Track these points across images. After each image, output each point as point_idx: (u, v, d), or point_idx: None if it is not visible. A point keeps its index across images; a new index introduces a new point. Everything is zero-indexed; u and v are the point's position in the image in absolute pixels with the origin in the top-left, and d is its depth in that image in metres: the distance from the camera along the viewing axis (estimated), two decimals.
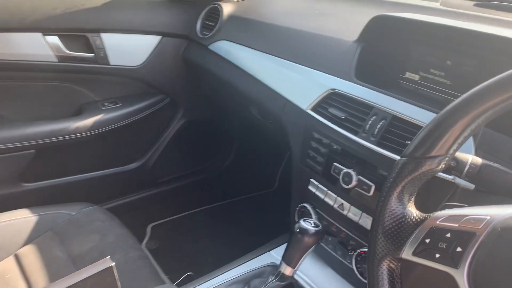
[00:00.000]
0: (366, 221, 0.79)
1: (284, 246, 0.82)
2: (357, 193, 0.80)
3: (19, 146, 1.25)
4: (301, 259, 0.81)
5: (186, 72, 1.51)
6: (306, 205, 0.94)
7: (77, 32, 1.29)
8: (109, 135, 1.41)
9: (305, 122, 0.93)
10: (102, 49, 1.34)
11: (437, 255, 0.46)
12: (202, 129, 1.69)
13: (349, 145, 0.82)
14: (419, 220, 0.49)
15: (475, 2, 0.97)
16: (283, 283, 0.82)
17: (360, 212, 0.80)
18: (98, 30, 1.31)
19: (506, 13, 0.90)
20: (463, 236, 0.45)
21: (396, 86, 0.90)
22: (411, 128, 0.73)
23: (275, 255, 1.00)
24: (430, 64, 0.84)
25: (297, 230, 0.80)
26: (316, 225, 0.80)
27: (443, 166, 0.48)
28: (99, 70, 1.37)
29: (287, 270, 0.81)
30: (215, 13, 1.39)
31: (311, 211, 0.92)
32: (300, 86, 0.99)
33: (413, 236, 0.49)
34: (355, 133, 0.81)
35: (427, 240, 0.47)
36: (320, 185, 0.90)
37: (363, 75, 0.89)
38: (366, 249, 0.81)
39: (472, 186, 0.54)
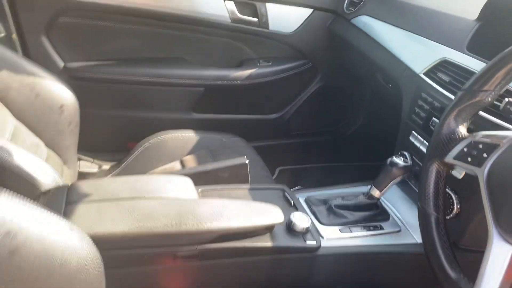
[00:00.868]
0: None
1: None
2: None
3: (193, 83, 1.65)
4: (388, 186, 1.00)
5: (329, 43, 1.74)
6: (404, 152, 1.12)
7: (249, 0, 1.62)
8: (259, 87, 1.73)
9: (417, 84, 1.10)
10: (265, 15, 1.65)
11: (469, 159, 0.64)
12: (335, 94, 1.91)
13: (447, 103, 0.98)
14: (464, 137, 0.67)
15: None
16: (370, 201, 1.03)
17: None
18: (266, 0, 1.63)
19: None
20: (490, 147, 0.62)
21: None
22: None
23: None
24: None
25: (388, 162, 0.99)
26: (405, 162, 0.99)
27: (490, 99, 0.65)
28: (260, 33, 1.68)
29: (375, 193, 1.01)
30: None
31: (408, 157, 1.10)
32: (419, 55, 1.16)
33: (457, 147, 0.67)
34: (454, 94, 0.97)
35: (465, 149, 0.65)
36: (418, 136, 1.07)
37: (474, 49, 1.02)
38: None
39: None
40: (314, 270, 0.92)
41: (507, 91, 0.78)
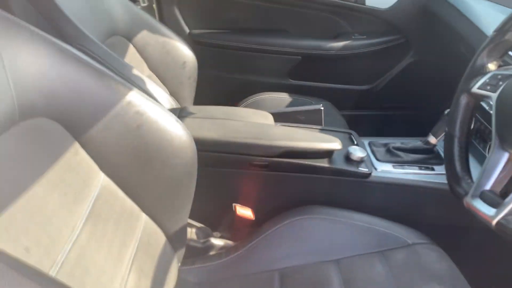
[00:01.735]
0: None
1: None
2: None
3: (291, 51, 1.86)
4: (443, 135, 1.10)
5: (423, 19, 1.81)
6: None
7: None
8: (352, 58, 1.88)
9: None
10: None
11: (488, 87, 0.75)
12: (428, 70, 1.96)
13: None
14: (489, 70, 0.78)
15: None
16: (426, 146, 1.14)
17: None
18: None
19: None
20: (507, 77, 0.73)
21: None
22: None
23: None
24: None
25: (446, 112, 1.10)
26: None
27: None
28: (356, 8, 1.82)
29: (432, 139, 1.12)
30: None
31: None
32: None
33: (482, 79, 0.78)
34: None
35: (487, 80, 0.76)
36: None
37: None
38: None
39: None
40: (365, 195, 1.08)
41: None
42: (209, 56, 1.88)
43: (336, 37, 1.88)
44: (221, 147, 1.04)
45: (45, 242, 0.62)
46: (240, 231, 1.08)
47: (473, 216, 0.96)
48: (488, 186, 0.71)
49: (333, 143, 1.05)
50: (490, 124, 0.95)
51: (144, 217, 0.87)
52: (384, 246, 0.96)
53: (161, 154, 0.85)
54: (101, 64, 0.83)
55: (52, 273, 0.60)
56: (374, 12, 1.84)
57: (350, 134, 1.21)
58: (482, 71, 0.78)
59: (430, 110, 2.08)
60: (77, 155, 0.77)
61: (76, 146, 0.78)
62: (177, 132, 0.86)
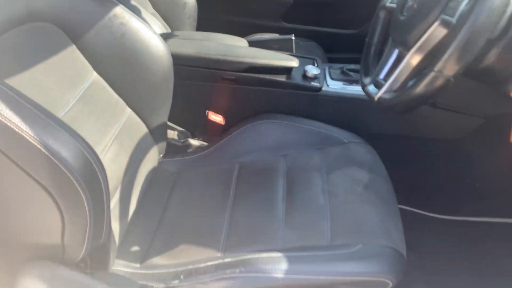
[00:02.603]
0: None
1: None
2: None
3: None
4: None
5: None
6: None
7: None
8: (341, 3, 2.01)
9: None
10: None
11: (395, 1, 0.91)
12: None
13: None
14: None
15: None
16: None
17: None
18: None
19: None
20: None
21: None
22: None
23: None
24: None
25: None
26: None
27: None
28: None
29: None
30: None
31: None
32: None
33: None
34: None
35: None
36: None
37: None
38: None
39: None
40: (316, 106, 1.26)
41: None
42: None
43: None
44: (196, 62, 1.23)
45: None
46: (212, 134, 1.29)
47: (402, 126, 1.15)
48: (381, 76, 0.88)
49: (291, 61, 1.23)
50: None
51: (128, 110, 1.08)
52: (324, 144, 1.15)
53: (141, 60, 1.05)
54: None
55: None
56: None
57: (315, 59, 1.39)
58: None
59: None
60: (74, 53, 0.99)
61: (73, 47, 0.99)
62: (155, 42, 1.06)
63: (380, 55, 0.97)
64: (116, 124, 1.02)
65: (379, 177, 1.03)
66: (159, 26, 1.51)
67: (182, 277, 0.83)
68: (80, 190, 0.66)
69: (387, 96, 0.82)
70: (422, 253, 1.24)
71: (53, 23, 0.96)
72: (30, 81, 0.84)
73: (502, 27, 0.69)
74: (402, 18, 0.82)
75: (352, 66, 1.33)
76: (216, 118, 1.27)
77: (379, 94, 0.83)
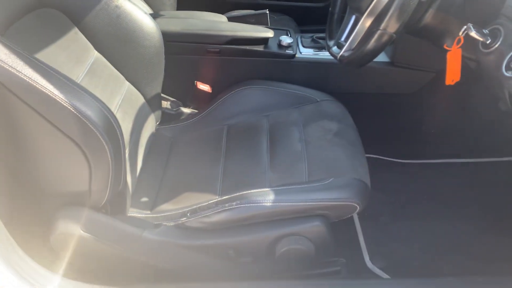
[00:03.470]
0: None
1: None
2: None
3: None
4: None
5: None
6: None
7: None
8: None
9: None
10: None
11: None
12: None
13: None
14: None
15: None
16: None
17: None
18: None
19: None
20: None
21: None
22: None
23: None
24: None
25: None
26: None
27: None
28: None
29: None
30: None
31: None
32: None
33: None
34: None
35: None
36: None
37: None
38: None
39: None
40: (291, 72, 1.42)
41: None
42: None
43: None
44: (183, 38, 1.38)
45: None
46: (202, 102, 1.45)
47: (366, 84, 1.32)
48: (342, 38, 1.04)
49: (267, 32, 1.38)
50: None
51: (127, 84, 1.23)
52: (300, 103, 1.32)
53: (135, 37, 1.19)
54: None
55: None
56: None
57: (288, 30, 1.54)
58: None
59: None
60: (77, 34, 1.12)
61: (76, 29, 1.13)
62: (146, 21, 1.19)
63: (341, 22, 1.14)
64: (118, 95, 1.17)
65: (346, 127, 1.20)
66: (143, 7, 1.64)
67: (188, 214, 1.00)
68: (103, 141, 0.82)
69: (346, 54, 0.99)
70: (387, 192, 1.43)
71: (57, 8, 1.09)
72: (46, 59, 0.98)
73: None
74: None
75: (322, 35, 1.49)
76: (204, 87, 1.43)
77: (340, 53, 1.00)
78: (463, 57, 0.96)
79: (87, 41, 1.15)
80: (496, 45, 0.84)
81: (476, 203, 1.42)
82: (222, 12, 2.00)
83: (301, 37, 1.52)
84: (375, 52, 0.91)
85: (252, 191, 0.99)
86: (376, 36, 0.87)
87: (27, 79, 0.75)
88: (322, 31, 1.55)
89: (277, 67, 1.42)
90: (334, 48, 1.07)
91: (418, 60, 1.34)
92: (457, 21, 0.91)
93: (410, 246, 1.30)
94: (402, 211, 1.40)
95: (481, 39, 0.84)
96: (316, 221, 0.99)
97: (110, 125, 0.84)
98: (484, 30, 0.85)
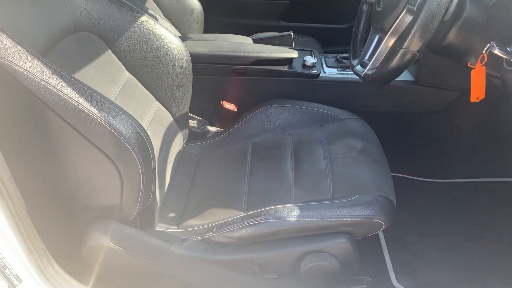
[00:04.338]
0: None
1: None
2: None
3: None
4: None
5: None
6: None
7: None
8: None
9: None
10: None
11: None
12: None
13: None
14: None
15: None
16: None
17: None
18: None
19: None
20: None
21: None
22: None
23: None
24: None
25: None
26: None
27: None
28: None
29: None
30: None
31: None
32: None
33: None
34: None
35: None
36: None
37: None
38: None
39: None
40: (315, 91, 1.44)
41: None
42: (212, 5, 2.23)
43: None
44: (210, 59, 1.42)
45: None
46: (227, 121, 1.48)
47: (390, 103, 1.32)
48: (366, 57, 1.06)
49: (291, 53, 1.41)
50: None
51: (157, 103, 1.27)
52: (324, 121, 1.33)
53: (165, 59, 1.24)
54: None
55: None
56: None
57: (312, 51, 1.57)
58: None
59: None
60: (110, 56, 1.18)
61: (109, 51, 1.18)
62: (175, 44, 1.24)
63: (365, 41, 1.15)
64: (149, 114, 1.21)
65: (371, 144, 1.21)
66: (172, 30, 1.70)
67: (214, 229, 1.01)
68: (135, 157, 0.85)
69: (370, 73, 1.01)
70: (412, 211, 1.41)
71: (92, 32, 1.15)
72: (83, 78, 1.03)
73: (453, 12, 0.88)
74: (379, 9, 1.01)
75: (345, 55, 1.51)
76: (230, 106, 1.46)
77: (364, 71, 1.02)
78: (487, 74, 0.95)
79: (119, 62, 1.20)
80: None
81: (504, 223, 1.38)
82: (247, 34, 2.06)
83: (325, 57, 1.54)
84: (398, 70, 0.92)
85: (277, 206, 1.00)
86: (399, 54, 0.88)
87: (66, 97, 0.79)
88: (346, 51, 1.58)
89: (301, 87, 1.44)
90: (358, 67, 1.08)
91: (442, 78, 1.34)
92: (480, 39, 0.91)
93: (436, 265, 1.27)
94: (428, 230, 1.38)
95: (505, 56, 0.84)
96: (341, 238, 0.98)
97: (142, 141, 0.88)
98: (508, 48, 0.85)
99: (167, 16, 1.95)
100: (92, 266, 0.98)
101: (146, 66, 1.23)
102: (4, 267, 0.87)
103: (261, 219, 0.97)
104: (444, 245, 1.33)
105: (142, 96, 1.23)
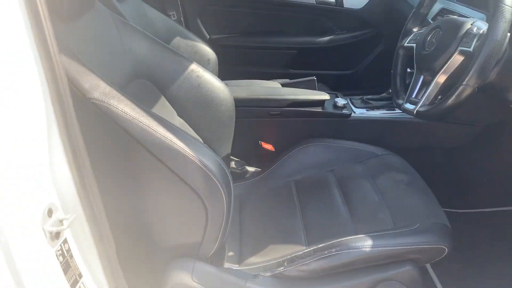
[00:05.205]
0: None
1: None
2: None
3: (289, 47, 2.32)
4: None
5: (388, 15, 2.26)
6: None
7: None
8: (337, 48, 2.33)
9: None
10: None
11: (412, 41, 1.20)
12: None
13: None
14: (412, 32, 1.22)
15: None
16: (388, 95, 1.58)
17: None
18: None
19: None
20: (421, 33, 1.17)
21: None
22: None
23: None
24: None
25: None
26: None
27: None
28: (337, 9, 2.29)
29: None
30: None
31: None
32: None
33: (408, 37, 1.22)
34: None
35: (412, 37, 1.21)
36: None
37: None
38: None
39: None
40: (348, 130, 1.51)
41: None
42: (226, 55, 2.33)
43: (323, 33, 2.34)
44: (248, 103, 1.48)
45: None
46: (265, 160, 1.51)
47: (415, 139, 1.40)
48: (413, 96, 1.14)
49: (323, 96, 1.49)
50: None
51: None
52: (362, 158, 1.39)
53: (213, 103, 1.29)
54: None
55: None
56: (351, 12, 2.30)
57: (336, 94, 1.66)
58: (409, 33, 1.22)
59: None
60: (164, 102, 1.22)
61: (163, 98, 1.22)
62: (222, 88, 1.30)
63: (404, 81, 1.25)
64: None
65: (414, 177, 1.27)
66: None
67: (286, 264, 1.02)
68: (222, 192, 0.87)
69: (422, 109, 1.09)
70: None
71: (148, 79, 1.20)
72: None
73: (503, 51, 0.98)
74: (425, 52, 1.11)
75: (370, 96, 1.60)
76: (268, 146, 1.51)
77: (417, 108, 1.10)
78: None
79: (171, 107, 1.24)
80: None
81: None
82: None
83: (351, 99, 1.63)
84: (457, 105, 1.00)
85: (347, 238, 1.03)
86: (459, 90, 0.97)
87: (161, 136, 0.83)
88: (355, 94, 1.69)
89: (334, 126, 1.51)
90: (407, 105, 1.16)
91: (467, 114, 1.44)
92: None
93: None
94: (471, 256, 1.43)
95: None
96: (408, 266, 1.01)
97: (226, 176, 0.90)
98: None
99: None
100: None
101: (196, 110, 1.27)
102: None
103: (335, 251, 0.99)
104: (490, 270, 1.38)
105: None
